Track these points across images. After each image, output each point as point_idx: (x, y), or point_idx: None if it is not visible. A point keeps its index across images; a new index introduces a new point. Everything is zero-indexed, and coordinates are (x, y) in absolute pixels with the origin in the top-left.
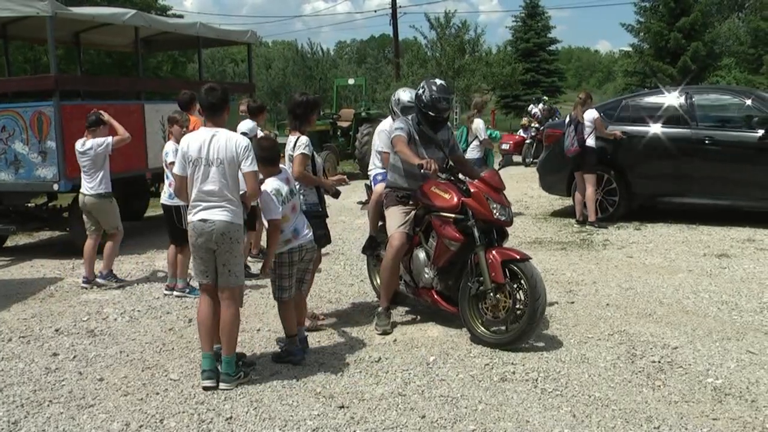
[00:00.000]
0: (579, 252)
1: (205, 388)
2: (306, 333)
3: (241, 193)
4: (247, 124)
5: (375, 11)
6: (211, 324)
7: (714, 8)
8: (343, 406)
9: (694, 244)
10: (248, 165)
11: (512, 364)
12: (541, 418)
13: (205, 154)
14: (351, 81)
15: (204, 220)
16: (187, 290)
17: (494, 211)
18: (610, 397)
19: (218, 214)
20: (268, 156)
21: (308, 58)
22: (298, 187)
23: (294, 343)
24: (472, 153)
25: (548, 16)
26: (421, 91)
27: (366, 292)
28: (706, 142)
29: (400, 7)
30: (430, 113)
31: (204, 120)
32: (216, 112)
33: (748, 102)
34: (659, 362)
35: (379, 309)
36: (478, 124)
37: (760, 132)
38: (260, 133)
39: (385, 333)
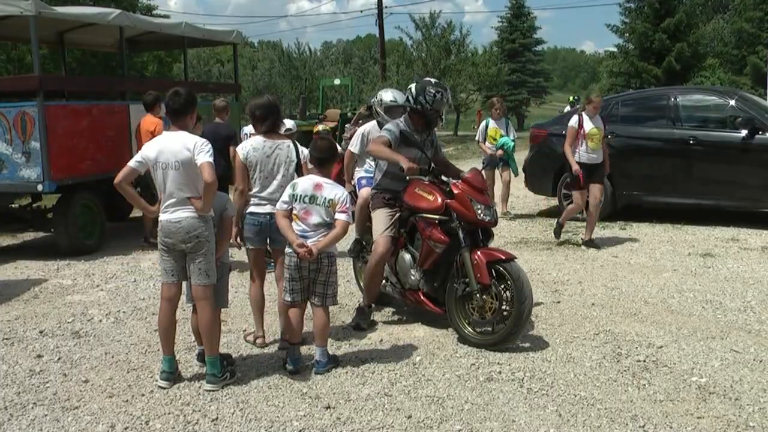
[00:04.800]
0: (564, 252)
1: (160, 387)
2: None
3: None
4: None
5: (361, 11)
6: (170, 327)
7: (698, 9)
8: (329, 407)
9: (678, 244)
10: (201, 157)
11: (498, 363)
12: (527, 417)
13: (163, 158)
14: (337, 81)
15: (170, 221)
16: None
17: (478, 212)
18: (595, 396)
19: (183, 213)
20: (320, 157)
21: (295, 58)
22: (336, 197)
23: (293, 352)
24: (483, 153)
25: (534, 17)
26: (419, 90)
27: (352, 292)
28: (691, 142)
29: (386, 7)
30: (435, 111)
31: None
32: (179, 117)
33: (732, 102)
34: (644, 361)
35: (361, 304)
36: (481, 125)
37: (744, 132)
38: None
39: (358, 327)
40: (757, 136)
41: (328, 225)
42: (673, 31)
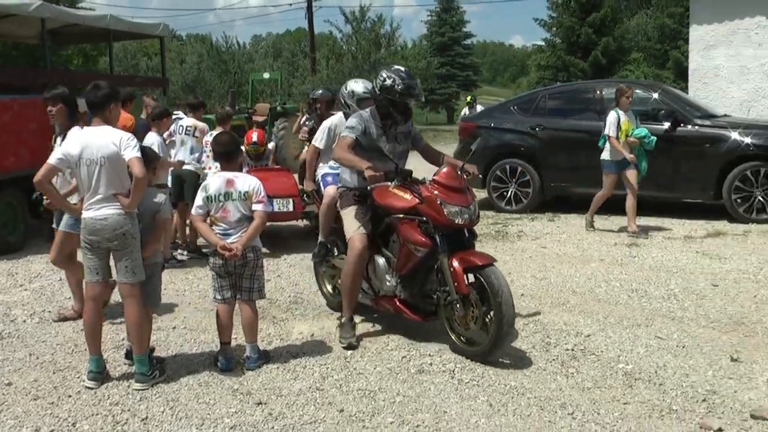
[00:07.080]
0: (494, 243)
1: (87, 388)
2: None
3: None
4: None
5: (290, 5)
6: (96, 326)
7: (623, 4)
8: (260, 403)
9: (605, 234)
10: (129, 152)
11: (429, 355)
12: (459, 408)
13: (87, 154)
14: (266, 75)
15: (95, 218)
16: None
17: (449, 216)
18: (525, 385)
19: (109, 210)
20: (224, 151)
21: (223, 52)
22: (251, 188)
23: (223, 351)
24: (605, 153)
25: (463, 11)
26: (389, 81)
27: (282, 287)
28: None
29: (315, 0)
30: (406, 101)
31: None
32: (99, 110)
33: (655, 96)
34: (573, 350)
35: (342, 320)
36: (609, 116)
37: (666, 125)
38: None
39: (350, 347)
40: (678, 128)
41: (249, 218)
42: (598, 25)
